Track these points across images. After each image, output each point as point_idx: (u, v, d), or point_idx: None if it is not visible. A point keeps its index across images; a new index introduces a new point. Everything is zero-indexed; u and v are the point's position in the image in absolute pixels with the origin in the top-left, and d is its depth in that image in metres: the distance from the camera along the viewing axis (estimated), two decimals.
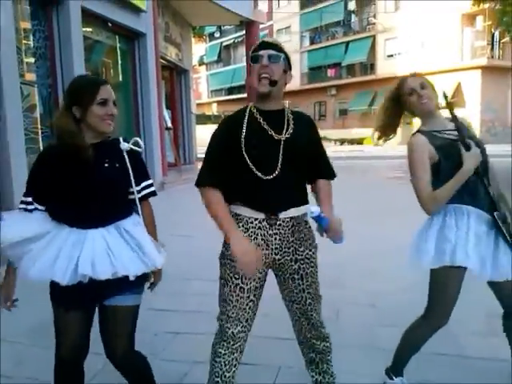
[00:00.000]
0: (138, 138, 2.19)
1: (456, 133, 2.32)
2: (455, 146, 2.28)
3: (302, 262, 2.22)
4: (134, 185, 2.12)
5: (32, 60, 6.60)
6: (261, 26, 17.27)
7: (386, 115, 2.51)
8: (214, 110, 47.01)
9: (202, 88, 49.58)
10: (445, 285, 2.36)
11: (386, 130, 2.54)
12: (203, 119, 31.58)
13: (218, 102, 47.66)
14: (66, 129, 2.03)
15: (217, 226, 2.14)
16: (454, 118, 2.34)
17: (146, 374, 2.28)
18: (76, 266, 1.95)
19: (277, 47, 2.16)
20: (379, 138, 2.56)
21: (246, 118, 2.19)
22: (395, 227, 6.37)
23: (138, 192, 2.15)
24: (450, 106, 2.35)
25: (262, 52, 2.14)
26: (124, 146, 2.11)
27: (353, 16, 36.07)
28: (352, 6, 35.70)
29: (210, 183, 2.19)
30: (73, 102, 2.03)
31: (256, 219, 2.15)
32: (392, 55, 32.48)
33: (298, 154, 2.19)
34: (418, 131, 2.40)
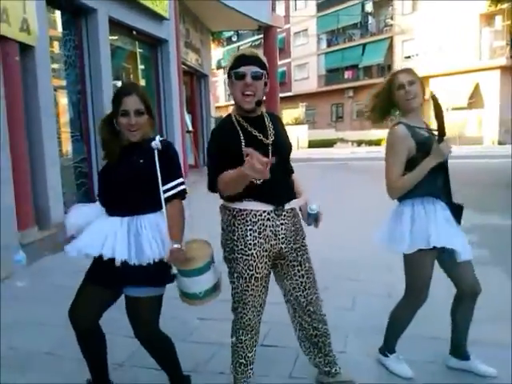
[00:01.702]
0: (158, 137, 2.31)
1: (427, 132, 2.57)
2: (431, 144, 2.50)
3: (298, 250, 2.46)
4: (160, 184, 2.23)
5: (62, 67, 6.95)
6: (278, 30, 17.54)
7: (377, 101, 2.71)
8: None
9: (220, 91, 49.87)
10: (420, 266, 2.62)
11: (376, 114, 2.74)
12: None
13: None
14: (101, 137, 2.38)
15: (234, 183, 2.17)
16: (439, 117, 2.54)
17: (170, 353, 2.52)
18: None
19: (258, 62, 2.27)
20: (368, 119, 2.78)
21: (238, 128, 2.33)
22: None
23: (164, 192, 2.25)
24: (437, 106, 2.53)
25: (244, 69, 2.23)
26: (154, 144, 2.26)
27: (370, 18, 36.03)
28: (369, 7, 35.74)
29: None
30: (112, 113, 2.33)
31: (264, 211, 2.34)
32: (409, 56, 32.32)
33: (282, 153, 2.40)
34: (400, 122, 2.59)
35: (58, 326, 3.65)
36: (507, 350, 3.02)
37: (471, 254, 2.62)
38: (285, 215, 2.40)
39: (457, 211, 2.60)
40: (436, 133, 2.55)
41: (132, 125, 2.22)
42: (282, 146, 2.42)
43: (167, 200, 2.28)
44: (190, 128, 13.25)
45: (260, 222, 2.34)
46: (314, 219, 2.52)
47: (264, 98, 2.37)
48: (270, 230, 2.36)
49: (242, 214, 2.35)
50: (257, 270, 2.37)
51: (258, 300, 2.45)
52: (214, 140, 2.41)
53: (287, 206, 2.41)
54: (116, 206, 2.28)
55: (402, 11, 32.36)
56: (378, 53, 34.30)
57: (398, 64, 33.25)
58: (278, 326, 3.41)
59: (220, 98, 49.31)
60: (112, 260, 2.22)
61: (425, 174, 2.49)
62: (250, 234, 2.34)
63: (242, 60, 2.26)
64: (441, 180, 2.60)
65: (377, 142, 31.20)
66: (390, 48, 33.89)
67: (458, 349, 2.84)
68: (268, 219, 2.35)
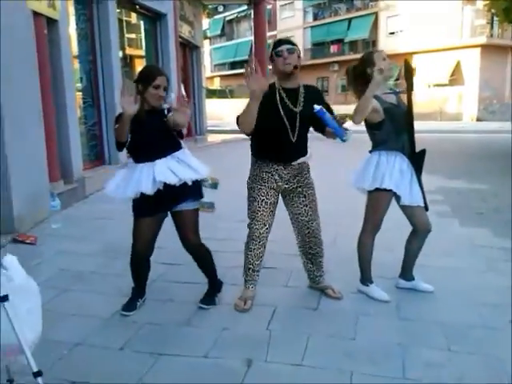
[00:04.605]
0: (166, 105, 3.21)
1: (394, 100, 3.34)
2: (396, 110, 3.27)
3: (303, 186, 3.37)
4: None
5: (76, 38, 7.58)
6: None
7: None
8: (216, 84, 47.40)
9: (205, 62, 49.47)
10: (376, 202, 3.42)
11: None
12: (208, 94, 31.68)
13: (221, 77, 48.00)
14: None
15: (246, 112, 3.02)
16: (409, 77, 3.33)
17: (211, 260, 3.45)
18: (154, 181, 3.06)
19: (291, 42, 3.21)
20: None
21: (277, 95, 3.18)
22: None
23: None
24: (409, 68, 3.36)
25: (281, 47, 3.15)
26: (164, 106, 3.18)
27: None
28: None
29: None
30: (139, 80, 3.15)
31: (277, 165, 3.26)
32: (394, 32, 32.89)
33: (307, 122, 3.24)
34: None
35: (95, 254, 4.55)
36: (446, 271, 4.02)
37: (420, 202, 3.40)
38: (291, 167, 3.29)
39: (419, 159, 3.36)
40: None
41: (161, 96, 3.14)
42: (307, 115, 3.19)
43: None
44: (186, 98, 13.86)
45: (272, 171, 3.28)
46: (324, 120, 3.08)
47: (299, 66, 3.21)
48: (278, 175, 3.28)
49: (261, 164, 3.31)
50: (267, 197, 3.30)
51: (265, 219, 3.34)
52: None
53: (295, 163, 3.28)
54: (154, 151, 3.13)
55: None
56: (363, 28, 34.77)
57: (383, 40, 33.85)
58: (273, 254, 4.31)
59: (206, 69, 49.21)
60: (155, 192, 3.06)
61: (369, 99, 3.07)
62: (265, 175, 3.29)
63: (279, 43, 3.21)
64: (404, 137, 3.34)
65: None
66: (375, 23, 34.34)
67: (406, 272, 3.68)
68: (277, 170, 3.28)
